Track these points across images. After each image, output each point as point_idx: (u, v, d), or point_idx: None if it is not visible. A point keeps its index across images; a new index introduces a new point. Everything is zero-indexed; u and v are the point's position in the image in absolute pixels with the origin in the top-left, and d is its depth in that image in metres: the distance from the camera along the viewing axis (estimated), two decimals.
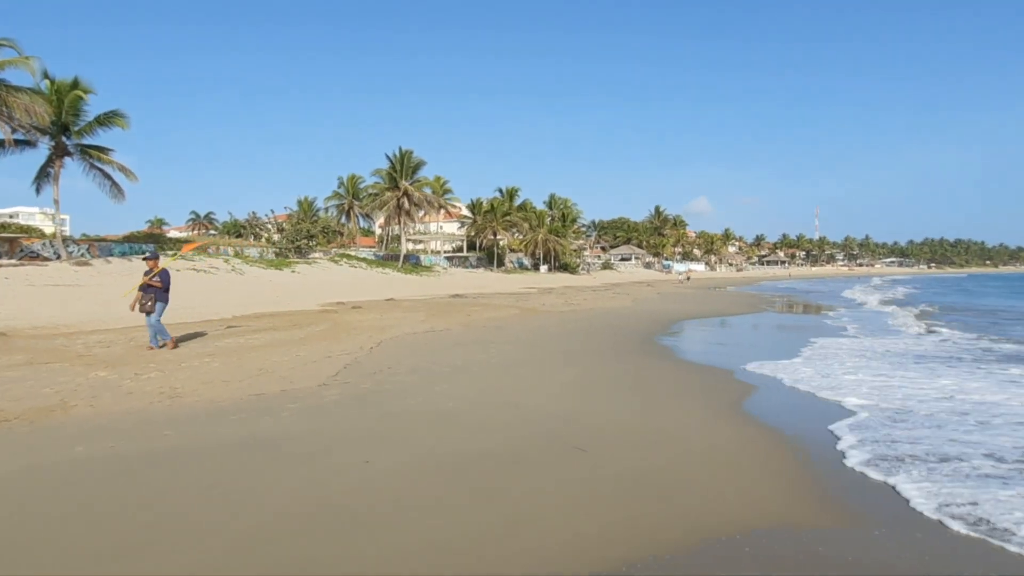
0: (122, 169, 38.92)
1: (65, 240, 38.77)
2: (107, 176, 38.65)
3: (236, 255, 48.92)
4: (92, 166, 38.11)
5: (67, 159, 37.41)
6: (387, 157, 62.31)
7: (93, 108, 37.06)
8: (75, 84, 36.21)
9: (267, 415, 7.06)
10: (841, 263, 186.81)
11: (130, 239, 46.46)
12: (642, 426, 7.03)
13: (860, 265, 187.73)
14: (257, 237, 69.33)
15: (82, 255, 39.14)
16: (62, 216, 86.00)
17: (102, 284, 29.95)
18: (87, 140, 37.37)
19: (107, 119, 37.65)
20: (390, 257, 63.97)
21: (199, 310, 19.86)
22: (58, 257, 35.71)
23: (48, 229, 62.18)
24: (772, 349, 14.58)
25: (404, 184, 61.47)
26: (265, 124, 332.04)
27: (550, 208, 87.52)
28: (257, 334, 13.93)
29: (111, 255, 41.25)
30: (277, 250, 53.88)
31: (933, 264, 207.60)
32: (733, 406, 8.10)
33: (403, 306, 24.68)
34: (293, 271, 47.92)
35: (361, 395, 8.26)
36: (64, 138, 36.68)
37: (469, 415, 7.32)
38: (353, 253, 62.76)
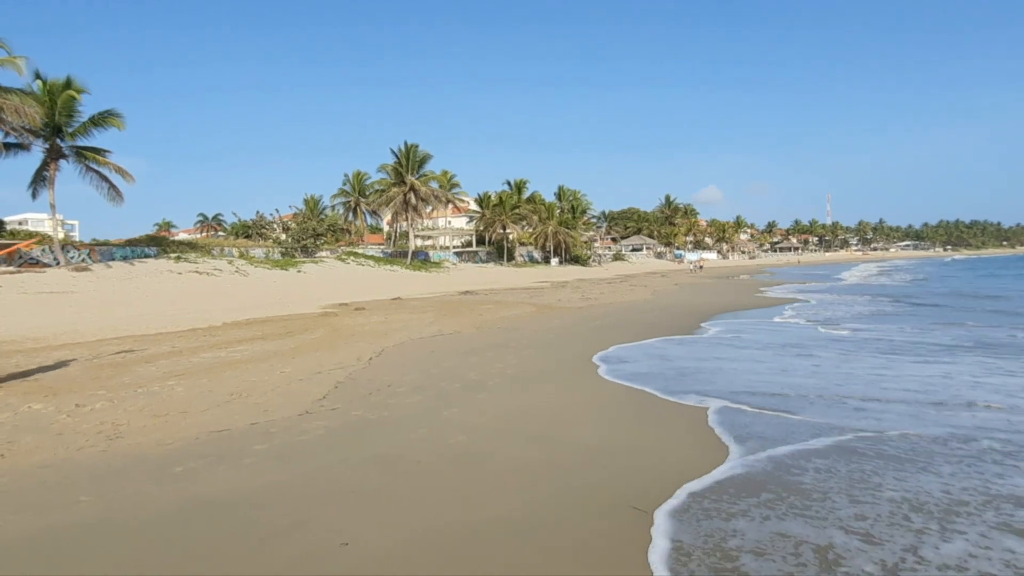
0: (119, 171, 37.65)
1: (65, 245, 37.53)
2: (104, 178, 37.40)
3: (241, 256, 47.52)
4: (88, 168, 36.85)
5: (62, 162, 36.10)
6: (392, 152, 60.78)
7: (90, 109, 35.68)
8: (68, 84, 34.80)
9: (224, 462, 5.45)
10: (855, 248, 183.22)
11: (132, 243, 45.11)
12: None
13: (874, 250, 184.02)
14: (264, 238, 67.97)
15: (83, 260, 37.88)
16: (71, 222, 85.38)
17: (99, 290, 28.64)
18: (82, 142, 36.05)
19: (102, 119, 36.32)
20: (398, 254, 62.41)
21: (189, 316, 18.36)
22: (57, 263, 34.44)
23: (59, 236, 61.08)
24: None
25: (410, 179, 59.86)
26: (272, 124, 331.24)
27: (559, 200, 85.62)
28: (242, 345, 12.36)
29: (113, 259, 39.96)
30: (283, 250, 52.46)
31: (949, 247, 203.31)
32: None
33: (410, 306, 23.09)
34: (299, 271, 46.56)
35: (351, 427, 6.64)
36: (58, 140, 35.35)
37: (486, 457, 5.68)
38: (360, 251, 61.26)
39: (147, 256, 42.01)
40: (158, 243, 44.75)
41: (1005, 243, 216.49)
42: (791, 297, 27.67)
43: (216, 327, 15.82)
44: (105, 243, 46.48)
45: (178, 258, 42.65)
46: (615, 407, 7.67)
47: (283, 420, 6.85)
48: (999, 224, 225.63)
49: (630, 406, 7.70)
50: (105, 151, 37.32)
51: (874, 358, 11.05)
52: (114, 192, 38.48)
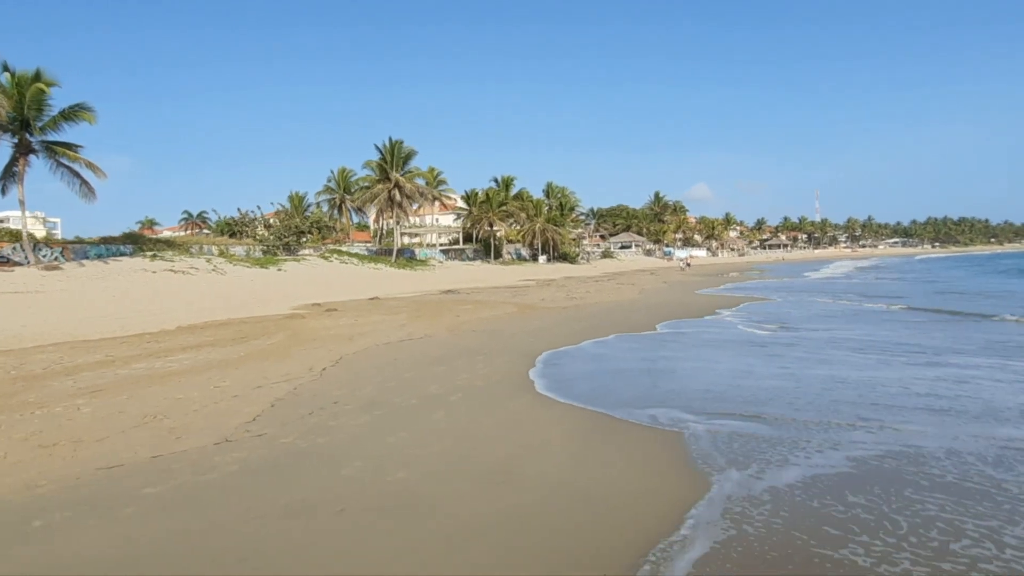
0: (91, 166, 36.30)
1: (37, 243, 36.11)
2: (76, 174, 36.01)
3: (221, 254, 46.13)
4: (59, 164, 35.45)
5: (32, 157, 34.67)
6: (377, 148, 59.44)
7: (60, 102, 34.32)
8: (37, 76, 33.33)
9: (97, 514, 4.37)
10: (844, 245, 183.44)
11: (108, 241, 43.61)
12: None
13: (863, 246, 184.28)
14: (242, 235, 66.45)
15: (55, 259, 36.49)
16: (52, 219, 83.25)
17: (65, 290, 27.32)
18: (52, 136, 34.64)
19: (72, 113, 34.95)
20: (383, 252, 61.13)
21: (146, 319, 17.16)
22: (28, 262, 33.06)
23: (40, 234, 59.36)
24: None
25: (395, 176, 58.60)
26: (260, 121, 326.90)
27: (547, 197, 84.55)
28: (186, 353, 11.22)
29: (87, 258, 38.54)
30: (265, 248, 51.07)
31: (937, 244, 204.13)
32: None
33: (386, 306, 21.98)
34: (279, 269, 45.28)
35: (272, 461, 5.57)
36: (27, 135, 33.90)
37: (426, 505, 4.62)
38: (345, 249, 59.94)
39: (123, 255, 40.59)
40: (135, 241, 43.30)
41: (993, 240, 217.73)
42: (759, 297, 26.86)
43: (169, 331, 14.65)
44: (79, 241, 45.02)
45: (154, 256, 41.21)
46: (589, 427, 6.65)
47: (194, 451, 5.76)
48: (987, 221, 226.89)
49: (605, 426, 6.68)
50: (77, 146, 35.91)
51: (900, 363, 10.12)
52: (86, 188, 37.20)
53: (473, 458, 5.69)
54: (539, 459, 5.66)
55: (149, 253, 40.63)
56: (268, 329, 14.85)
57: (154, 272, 36.70)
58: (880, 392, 8.08)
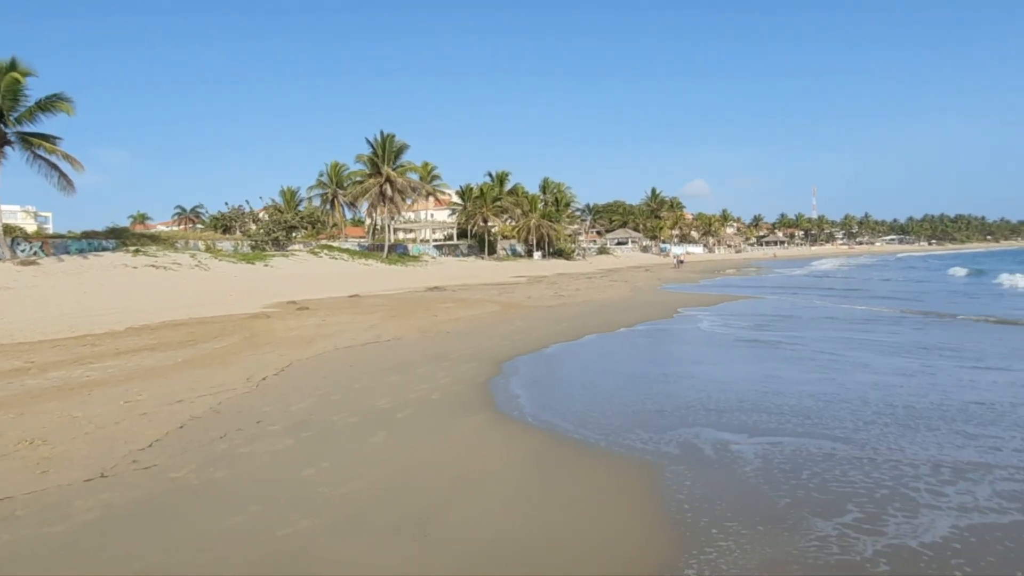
0: (68, 158, 35.24)
1: (16, 238, 35.00)
2: (53, 167, 34.92)
3: (208, 249, 45.00)
4: (36, 156, 34.33)
5: (8, 149, 33.54)
6: (368, 142, 58.19)
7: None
8: (12, 66, 32.16)
9: None
10: (841, 242, 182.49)
11: (90, 235, 42.44)
12: None
13: (860, 243, 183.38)
14: (233, 230, 65.23)
15: (34, 253, 35.42)
16: (44, 213, 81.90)
17: (36, 286, 26.23)
18: (28, 128, 33.49)
19: (49, 104, 33.86)
20: (375, 247, 59.93)
21: (99, 318, 16.06)
22: (3, 257, 31.96)
23: (30, 228, 58.14)
24: None
25: (387, 170, 57.41)
26: (256, 114, 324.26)
27: (543, 193, 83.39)
28: (120, 358, 10.13)
29: (67, 253, 37.45)
30: (253, 243, 49.92)
31: (934, 241, 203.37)
32: None
33: (364, 305, 20.89)
34: (266, 265, 44.20)
35: (148, 504, 4.51)
36: (2, 126, 32.77)
37: (322, 570, 3.56)
38: (336, 244, 58.78)
39: (105, 249, 39.45)
40: (118, 236, 42.14)
41: (989, 237, 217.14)
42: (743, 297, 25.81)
43: (116, 333, 13.55)
44: (60, 236, 43.86)
45: (136, 252, 40.10)
46: (550, 455, 5.61)
47: (55, 491, 4.69)
48: (983, 218, 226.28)
49: (570, 453, 5.64)
50: (54, 137, 34.83)
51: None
52: (64, 181, 36.17)
53: (399, 499, 4.64)
54: (479, 500, 4.61)
55: (132, 248, 39.52)
56: (225, 330, 13.77)
57: (135, 268, 35.60)
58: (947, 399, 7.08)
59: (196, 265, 39.15)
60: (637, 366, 10.33)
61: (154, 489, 4.78)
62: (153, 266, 36.75)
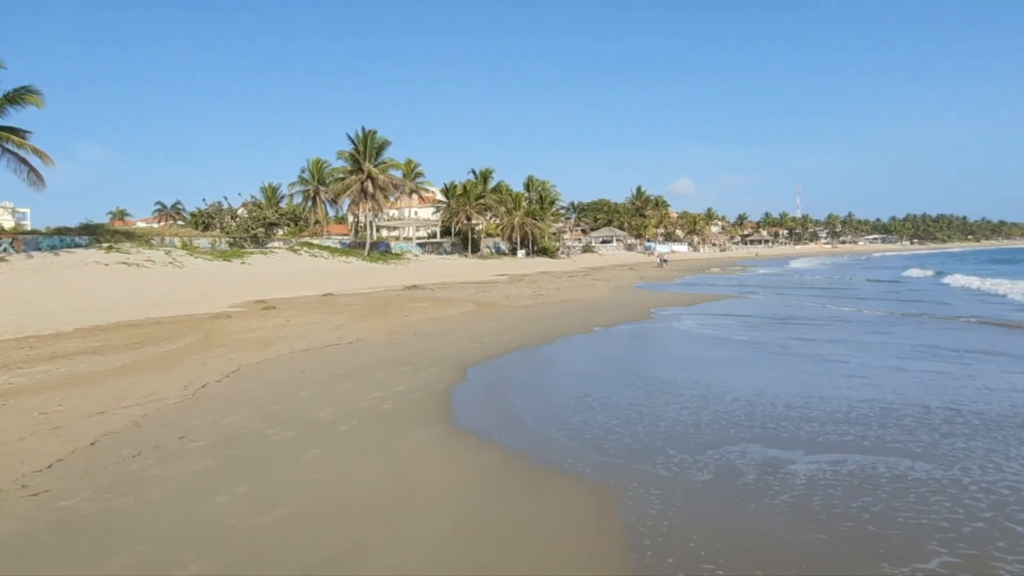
0: (37, 152, 34.24)
1: None
2: (23, 161, 33.93)
3: (184, 247, 43.97)
4: (4, 150, 33.31)
5: None
6: (349, 138, 57.29)
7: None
8: None
9: None
10: (824, 241, 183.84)
11: (62, 231, 41.23)
12: None
13: (843, 243, 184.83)
14: (210, 227, 63.97)
15: (4, 250, 34.43)
16: (22, 209, 79.80)
17: (3, 284, 25.36)
18: None
19: (18, 97, 32.98)
20: (357, 245, 59.01)
21: (51, 319, 15.21)
22: None
23: (8, 224, 56.44)
24: None
25: (368, 166, 56.54)
26: (240, 110, 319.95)
27: (528, 190, 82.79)
28: (52, 363, 9.38)
29: (38, 249, 36.42)
30: (231, 240, 48.87)
31: (916, 240, 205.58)
32: None
33: (335, 304, 20.19)
34: (243, 262, 43.33)
35: (19, 543, 3.86)
36: None
37: None
38: (316, 242, 57.82)
39: (78, 246, 38.45)
40: (92, 232, 41.08)
41: (970, 237, 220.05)
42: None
43: (63, 333, 12.75)
44: (32, 232, 42.57)
45: (110, 248, 39.12)
46: (505, 478, 5.03)
47: None
48: (964, 218, 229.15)
49: (526, 476, 5.07)
50: (24, 131, 33.86)
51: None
52: (34, 176, 35.26)
53: (319, 533, 4.04)
54: (412, 536, 4.02)
55: (105, 245, 38.52)
56: (180, 331, 13.03)
57: (106, 265, 34.63)
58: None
59: (170, 262, 38.24)
60: (610, 371, 9.79)
61: (34, 522, 4.14)
62: (125, 263, 35.79)
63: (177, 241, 45.04)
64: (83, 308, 18.16)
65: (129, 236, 42.64)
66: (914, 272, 43.27)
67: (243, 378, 8.66)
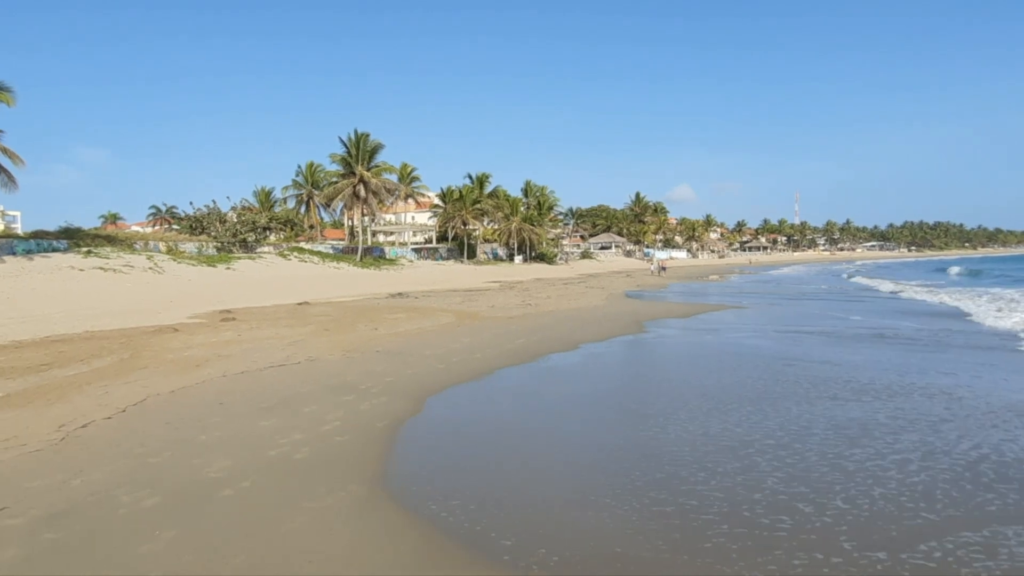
0: (7, 153, 32.97)
1: None
2: None
3: (169, 251, 42.53)
4: None
5: None
6: (341, 141, 55.88)
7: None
8: None
9: None
10: (823, 248, 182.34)
11: (40, 235, 39.82)
12: None
13: (841, 250, 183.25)
14: (204, 231, 62.56)
15: None
16: (12, 212, 78.33)
17: None
18: None
19: None
20: (350, 250, 57.52)
21: None
22: None
23: None
24: None
25: (360, 170, 55.15)
26: (233, 114, 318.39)
27: (525, 196, 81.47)
28: None
29: (13, 253, 35.04)
30: (219, 245, 47.40)
31: (913, 247, 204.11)
32: None
33: (306, 314, 18.65)
34: (228, 268, 41.83)
35: None
36: None
37: None
38: (308, 246, 56.38)
39: (55, 250, 37.01)
40: (71, 236, 39.67)
41: (967, 244, 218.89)
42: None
43: None
44: (7, 235, 41.18)
45: (88, 253, 37.71)
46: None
47: None
48: (962, 226, 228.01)
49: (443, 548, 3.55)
50: None
51: None
52: (6, 176, 33.96)
53: None
54: None
55: (84, 249, 37.10)
56: (107, 349, 11.48)
57: (81, 270, 33.10)
58: None
59: (150, 268, 36.74)
60: (594, 401, 8.27)
61: None
62: (102, 268, 34.28)
63: (162, 246, 43.62)
64: (28, 317, 16.63)
65: (111, 240, 41.20)
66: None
67: (142, 413, 7.13)
